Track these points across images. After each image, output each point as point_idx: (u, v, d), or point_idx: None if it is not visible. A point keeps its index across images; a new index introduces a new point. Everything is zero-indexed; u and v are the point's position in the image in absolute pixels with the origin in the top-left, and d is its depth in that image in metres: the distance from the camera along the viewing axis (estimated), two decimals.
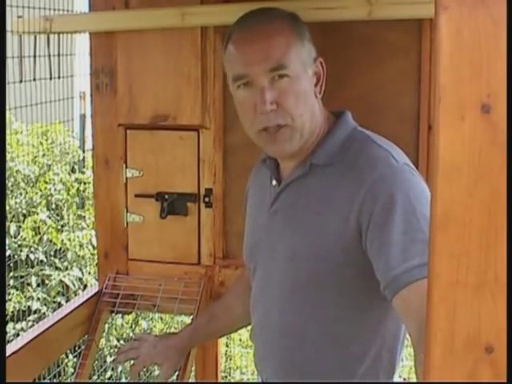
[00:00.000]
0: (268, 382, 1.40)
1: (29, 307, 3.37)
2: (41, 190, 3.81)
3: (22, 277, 3.47)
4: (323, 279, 1.27)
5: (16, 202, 3.68)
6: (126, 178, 1.96)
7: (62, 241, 3.63)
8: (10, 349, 1.60)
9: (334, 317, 1.29)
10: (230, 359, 3.84)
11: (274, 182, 1.37)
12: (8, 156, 3.73)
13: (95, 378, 3.33)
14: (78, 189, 3.97)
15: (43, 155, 4.06)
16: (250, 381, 3.71)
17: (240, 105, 1.31)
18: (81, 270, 3.64)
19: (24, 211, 3.68)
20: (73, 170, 4.21)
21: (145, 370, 3.53)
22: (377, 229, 1.17)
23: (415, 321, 1.06)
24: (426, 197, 1.17)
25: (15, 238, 3.53)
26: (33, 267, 3.53)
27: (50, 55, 1.89)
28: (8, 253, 3.41)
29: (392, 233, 1.15)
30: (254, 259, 1.43)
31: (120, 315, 2.45)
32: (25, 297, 3.41)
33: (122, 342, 3.54)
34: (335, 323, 1.29)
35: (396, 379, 1.33)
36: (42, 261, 3.57)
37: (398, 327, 1.31)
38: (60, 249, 3.66)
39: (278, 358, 1.36)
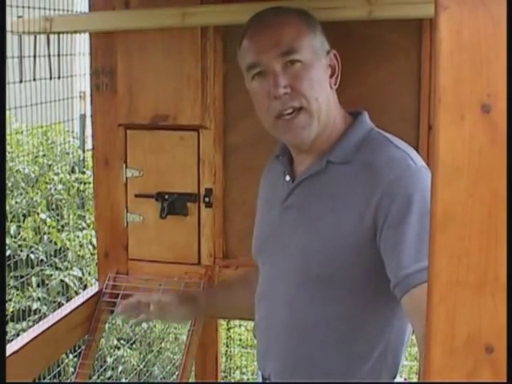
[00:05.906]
0: (269, 382, 1.40)
1: (29, 307, 3.37)
2: (41, 190, 3.81)
3: (22, 277, 3.47)
4: (334, 277, 1.27)
5: (16, 202, 3.68)
6: (126, 178, 1.95)
7: (63, 241, 3.63)
8: (10, 349, 1.60)
9: (342, 315, 1.29)
10: (230, 359, 3.84)
11: (288, 178, 1.37)
12: (8, 156, 3.72)
13: (95, 378, 3.33)
14: (78, 189, 3.97)
15: (43, 155, 4.05)
16: (250, 381, 3.71)
17: (255, 95, 1.32)
18: (81, 269, 3.64)
19: (24, 211, 3.68)
20: (73, 170, 4.21)
21: (145, 369, 3.53)
22: (392, 228, 1.18)
23: (422, 321, 1.06)
24: None
25: (15, 238, 3.52)
26: (33, 267, 3.53)
27: (49, 55, 1.89)
28: (8, 253, 3.41)
29: (407, 233, 1.16)
30: (263, 254, 1.42)
31: None
32: (25, 297, 3.40)
33: (122, 341, 3.54)
34: (343, 321, 1.29)
35: (397, 379, 1.33)
36: (42, 261, 3.57)
37: (404, 328, 1.32)
38: (60, 249, 3.66)
39: (282, 353, 1.36)
